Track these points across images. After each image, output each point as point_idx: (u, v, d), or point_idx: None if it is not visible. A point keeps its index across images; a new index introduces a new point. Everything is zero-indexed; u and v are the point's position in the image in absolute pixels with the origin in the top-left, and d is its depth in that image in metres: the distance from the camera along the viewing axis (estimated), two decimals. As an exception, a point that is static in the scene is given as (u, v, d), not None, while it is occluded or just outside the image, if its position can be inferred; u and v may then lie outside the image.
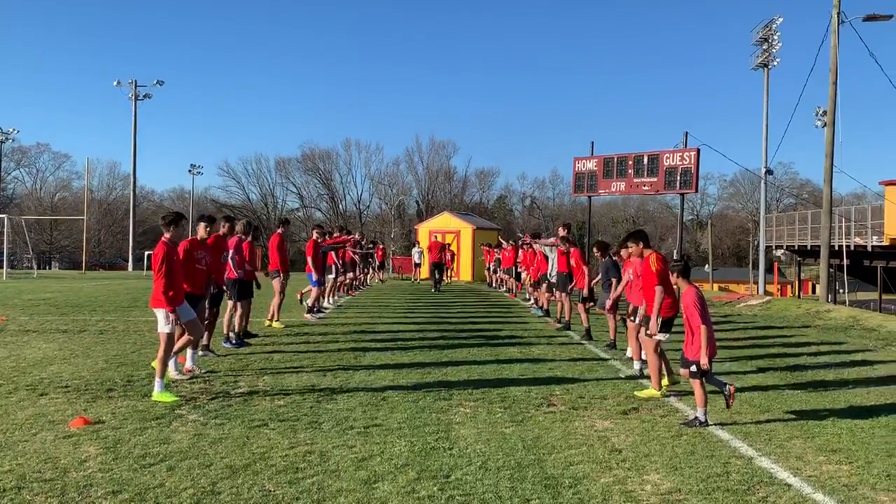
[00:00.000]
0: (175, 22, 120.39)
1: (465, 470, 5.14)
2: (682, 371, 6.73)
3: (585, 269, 12.51)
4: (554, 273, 14.07)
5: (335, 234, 18.72)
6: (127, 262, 57.36)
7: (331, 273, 16.54)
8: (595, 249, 11.43)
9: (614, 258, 11.03)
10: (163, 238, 7.56)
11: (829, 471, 5.32)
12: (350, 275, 19.93)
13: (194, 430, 6.01)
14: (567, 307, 13.62)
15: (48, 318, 14.20)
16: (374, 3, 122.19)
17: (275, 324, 12.92)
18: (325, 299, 16.74)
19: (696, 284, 7.09)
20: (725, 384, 6.67)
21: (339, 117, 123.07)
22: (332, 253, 16.65)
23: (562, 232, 13.85)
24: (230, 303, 10.63)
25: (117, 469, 5.00)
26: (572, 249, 13.05)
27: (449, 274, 31.62)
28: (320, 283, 14.77)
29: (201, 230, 8.89)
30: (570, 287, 13.15)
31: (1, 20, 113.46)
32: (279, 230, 13.60)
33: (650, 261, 8.08)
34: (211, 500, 4.49)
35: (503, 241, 24.96)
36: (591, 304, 12.30)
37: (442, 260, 26.81)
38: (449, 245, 32.35)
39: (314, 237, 14.65)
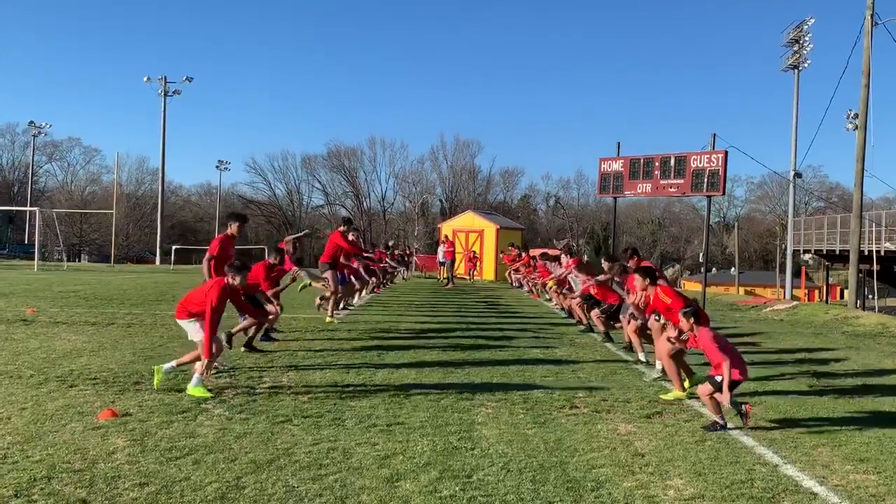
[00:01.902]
0: (204, 19, 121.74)
1: (487, 470, 5.15)
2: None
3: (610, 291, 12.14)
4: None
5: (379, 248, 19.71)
6: (155, 256, 58.10)
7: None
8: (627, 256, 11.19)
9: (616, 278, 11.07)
10: (226, 279, 7.54)
11: (857, 480, 5.25)
12: (374, 279, 20.21)
13: (219, 425, 6.08)
14: (579, 311, 13.56)
15: (77, 310, 14.44)
16: (400, 0, 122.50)
17: (327, 319, 13.29)
18: (355, 297, 16.99)
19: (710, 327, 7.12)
20: (741, 404, 6.61)
21: (364, 115, 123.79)
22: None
23: (568, 262, 14.02)
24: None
25: (144, 461, 5.08)
26: (591, 283, 12.80)
27: (472, 273, 31.98)
28: (346, 282, 14.91)
29: (234, 228, 9.66)
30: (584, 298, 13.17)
31: (34, 16, 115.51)
32: (341, 228, 14.08)
33: (659, 296, 8.29)
34: (235, 494, 4.55)
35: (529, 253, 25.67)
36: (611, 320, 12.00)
37: (454, 258, 28.50)
38: (475, 254, 32.73)
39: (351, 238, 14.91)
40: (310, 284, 12.94)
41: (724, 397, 6.34)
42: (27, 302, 15.73)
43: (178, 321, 7.71)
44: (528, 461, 5.39)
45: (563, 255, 16.59)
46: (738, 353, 6.71)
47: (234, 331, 9.11)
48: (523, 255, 26.00)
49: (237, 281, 7.58)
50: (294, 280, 12.44)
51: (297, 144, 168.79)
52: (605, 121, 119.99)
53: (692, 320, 6.92)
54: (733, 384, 6.48)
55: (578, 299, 13.50)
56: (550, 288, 18.67)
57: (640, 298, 9.01)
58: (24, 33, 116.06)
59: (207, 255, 9.54)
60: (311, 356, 9.67)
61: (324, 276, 13.32)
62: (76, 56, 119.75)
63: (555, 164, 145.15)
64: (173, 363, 7.54)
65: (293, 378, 8.17)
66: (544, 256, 21.17)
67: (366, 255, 17.05)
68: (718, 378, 6.47)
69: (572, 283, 14.64)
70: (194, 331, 7.46)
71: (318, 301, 14.14)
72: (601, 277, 12.00)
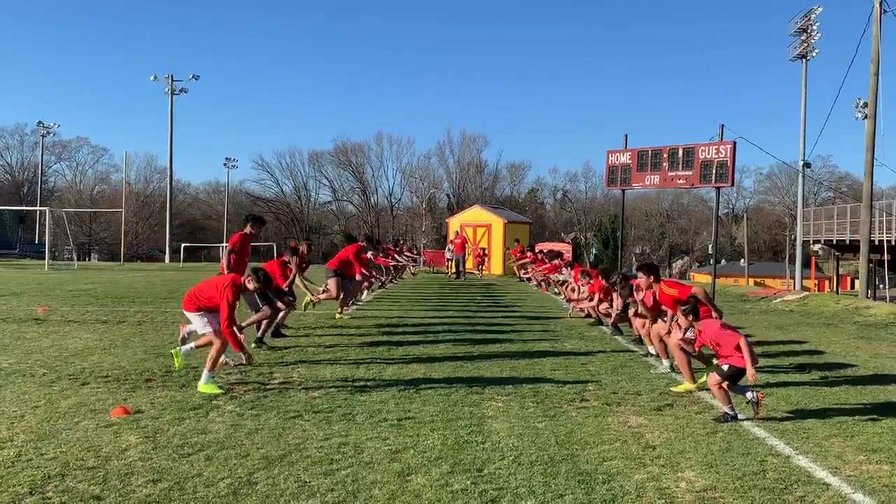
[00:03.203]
0: (209, 17, 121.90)
1: (498, 464, 5.15)
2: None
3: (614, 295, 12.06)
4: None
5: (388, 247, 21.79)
6: (164, 253, 58.35)
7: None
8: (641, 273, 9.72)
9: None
10: (244, 281, 7.71)
11: (870, 470, 5.23)
12: (384, 278, 20.47)
13: (231, 421, 6.10)
14: (588, 304, 13.60)
15: (88, 308, 14.52)
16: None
17: (337, 315, 13.45)
18: (364, 293, 17.15)
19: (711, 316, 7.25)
20: (749, 390, 6.59)
21: (370, 111, 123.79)
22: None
23: (571, 273, 14.25)
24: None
25: (157, 458, 5.11)
26: (592, 282, 12.97)
27: (481, 268, 32.14)
28: (353, 282, 15.03)
29: (252, 227, 10.36)
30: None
31: (41, 14, 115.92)
32: (362, 243, 14.91)
33: (665, 291, 8.36)
34: (248, 490, 4.57)
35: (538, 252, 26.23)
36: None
37: (464, 253, 29.83)
38: (485, 250, 32.88)
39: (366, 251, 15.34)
40: (313, 305, 12.96)
41: (750, 372, 6.33)
42: (38, 301, 15.83)
43: (186, 312, 7.74)
44: (539, 454, 5.40)
45: (563, 268, 17.39)
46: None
47: (243, 325, 9.15)
48: (529, 253, 26.50)
49: (251, 286, 7.71)
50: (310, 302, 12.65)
51: (305, 141, 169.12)
52: (612, 113, 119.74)
53: (690, 317, 6.95)
54: (740, 372, 6.46)
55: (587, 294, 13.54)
56: (558, 282, 18.75)
57: (646, 296, 9.05)
58: (31, 33, 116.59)
59: (228, 247, 10.23)
60: (321, 352, 9.70)
61: (327, 282, 13.40)
62: (83, 56, 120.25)
63: (562, 157, 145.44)
64: (191, 345, 7.74)
65: (303, 374, 8.19)
66: (551, 255, 21.28)
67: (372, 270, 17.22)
68: (725, 367, 6.46)
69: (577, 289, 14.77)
70: (202, 324, 7.51)
71: (307, 300, 13.69)
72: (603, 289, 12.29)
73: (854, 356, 10.64)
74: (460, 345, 10.61)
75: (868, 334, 13.57)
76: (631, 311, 10.68)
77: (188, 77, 56.78)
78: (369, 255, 15.35)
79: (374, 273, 17.51)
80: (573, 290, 15.36)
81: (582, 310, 14.11)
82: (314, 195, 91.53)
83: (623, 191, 24.83)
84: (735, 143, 20.47)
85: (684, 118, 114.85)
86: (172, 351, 7.93)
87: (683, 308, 7.08)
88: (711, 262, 30.56)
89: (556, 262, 20.07)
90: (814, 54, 34.66)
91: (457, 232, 32.88)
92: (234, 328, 7.33)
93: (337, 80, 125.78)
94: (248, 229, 10.39)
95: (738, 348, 6.42)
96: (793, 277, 40.96)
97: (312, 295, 12.60)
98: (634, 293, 9.98)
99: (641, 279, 8.96)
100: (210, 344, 7.46)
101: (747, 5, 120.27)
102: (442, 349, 10.17)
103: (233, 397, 6.95)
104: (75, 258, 44.74)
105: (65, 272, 30.02)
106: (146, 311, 14.33)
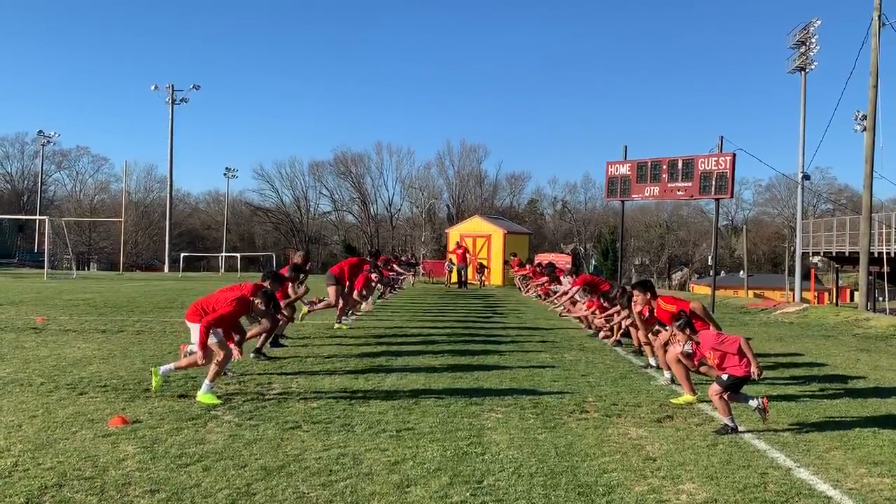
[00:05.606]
0: (211, 27, 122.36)
1: (498, 476, 5.12)
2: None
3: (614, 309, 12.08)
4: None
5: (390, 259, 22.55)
6: (163, 263, 58.30)
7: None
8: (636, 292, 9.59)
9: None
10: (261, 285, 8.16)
11: (871, 483, 5.20)
12: (387, 288, 20.61)
13: (229, 431, 6.08)
14: (587, 314, 13.60)
15: (87, 318, 14.49)
16: (406, 6, 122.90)
17: (336, 325, 13.45)
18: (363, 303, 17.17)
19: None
20: (753, 398, 6.57)
21: (371, 121, 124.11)
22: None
23: (574, 281, 14.46)
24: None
25: (154, 468, 5.08)
26: (593, 299, 13.00)
27: (481, 279, 32.21)
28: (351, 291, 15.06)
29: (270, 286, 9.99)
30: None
31: (43, 24, 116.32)
32: (368, 259, 15.61)
33: (662, 307, 8.39)
34: (246, 500, 4.54)
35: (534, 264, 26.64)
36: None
37: (466, 262, 30.99)
38: (486, 266, 33.04)
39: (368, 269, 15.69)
40: (309, 312, 12.95)
41: (753, 362, 6.37)
42: (37, 310, 15.80)
43: (189, 323, 7.70)
44: (539, 466, 5.37)
45: (563, 277, 17.46)
46: None
47: (247, 337, 9.11)
48: (527, 266, 26.75)
49: (258, 301, 7.79)
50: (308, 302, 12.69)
51: (305, 151, 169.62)
52: (611, 124, 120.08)
53: (687, 331, 6.94)
54: (741, 381, 6.45)
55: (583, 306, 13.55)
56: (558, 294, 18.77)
57: (642, 311, 9.08)
58: (31, 42, 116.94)
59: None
60: (320, 362, 9.67)
61: (327, 289, 13.40)
62: (84, 65, 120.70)
63: (561, 168, 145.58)
64: (171, 366, 7.62)
65: (302, 384, 8.16)
66: (549, 268, 21.26)
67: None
68: (725, 377, 6.43)
69: (577, 299, 14.74)
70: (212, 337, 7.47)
71: (305, 309, 13.57)
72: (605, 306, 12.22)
73: (854, 368, 10.62)
74: (460, 355, 10.57)
75: (868, 346, 13.54)
76: (629, 321, 10.68)
77: (189, 87, 56.96)
78: (373, 276, 15.38)
79: (378, 285, 17.62)
80: (565, 293, 15.41)
81: (578, 318, 14.10)
82: (314, 205, 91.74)
83: (623, 202, 24.84)
84: (734, 155, 20.50)
85: (684, 130, 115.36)
86: (152, 369, 7.82)
87: (678, 323, 7.07)
88: (711, 273, 30.56)
89: (554, 272, 20.09)
90: (813, 67, 34.82)
91: (457, 243, 32.98)
92: (225, 343, 7.36)
93: (337, 90, 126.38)
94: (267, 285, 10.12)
95: (740, 350, 6.41)
96: (792, 289, 40.94)
97: (308, 304, 12.58)
98: (632, 305, 9.98)
99: (637, 297, 8.99)
100: (192, 365, 7.47)
101: (747, 18, 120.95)
102: (441, 360, 10.13)
103: (231, 407, 6.92)
104: (74, 267, 44.71)
105: (64, 281, 29.98)
106: (145, 320, 14.30)
